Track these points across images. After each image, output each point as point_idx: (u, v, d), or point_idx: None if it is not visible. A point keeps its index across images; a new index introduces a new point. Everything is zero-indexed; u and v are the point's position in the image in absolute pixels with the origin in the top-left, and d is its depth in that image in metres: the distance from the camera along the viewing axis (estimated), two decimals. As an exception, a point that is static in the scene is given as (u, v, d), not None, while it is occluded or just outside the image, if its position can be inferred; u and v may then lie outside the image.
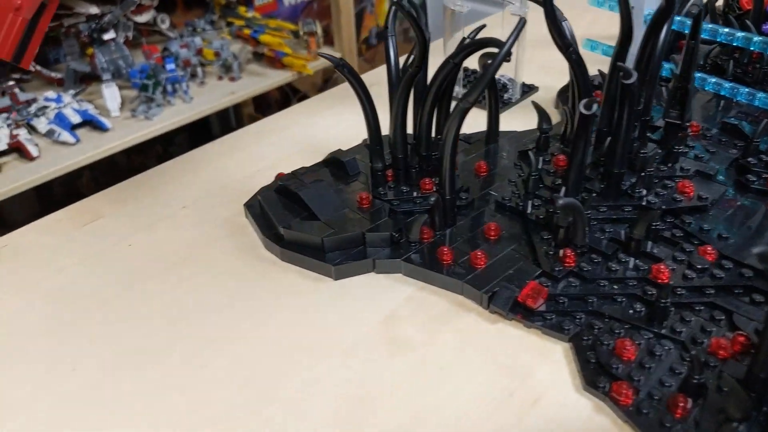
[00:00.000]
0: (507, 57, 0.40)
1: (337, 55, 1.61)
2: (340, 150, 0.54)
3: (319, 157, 0.55)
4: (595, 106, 0.39)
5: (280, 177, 0.51)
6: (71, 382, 0.38)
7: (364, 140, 0.56)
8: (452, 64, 0.44)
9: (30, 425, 0.35)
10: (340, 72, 0.46)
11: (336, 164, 0.53)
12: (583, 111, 0.39)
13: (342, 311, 0.42)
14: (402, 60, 0.48)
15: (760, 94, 0.56)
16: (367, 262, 0.45)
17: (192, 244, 0.48)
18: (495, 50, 0.39)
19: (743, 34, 0.55)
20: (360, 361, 0.39)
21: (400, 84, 0.46)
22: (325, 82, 1.68)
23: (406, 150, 0.49)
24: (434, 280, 0.44)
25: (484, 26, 0.47)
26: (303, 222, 0.46)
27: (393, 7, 0.47)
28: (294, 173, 0.51)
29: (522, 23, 0.39)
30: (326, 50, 1.59)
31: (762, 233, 0.45)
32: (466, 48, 0.43)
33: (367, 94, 0.47)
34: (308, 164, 0.54)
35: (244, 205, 0.50)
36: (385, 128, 0.50)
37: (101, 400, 0.37)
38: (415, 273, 0.44)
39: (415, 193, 0.49)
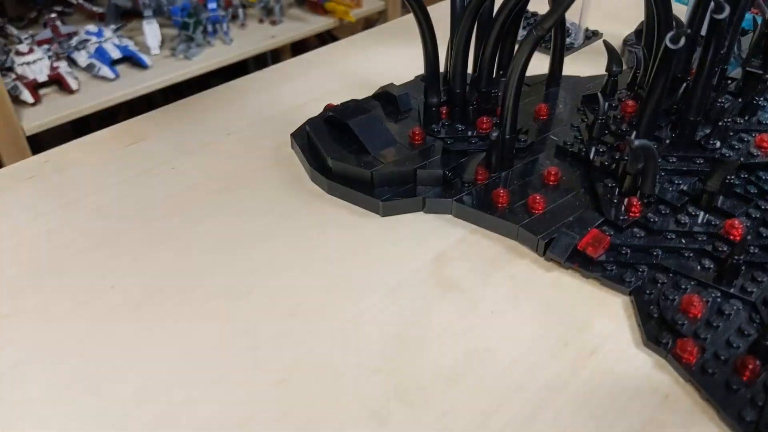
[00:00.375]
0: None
1: (380, 3, 1.57)
2: (392, 84, 0.52)
3: (369, 92, 0.52)
4: (682, 40, 0.36)
5: (329, 108, 0.49)
6: (110, 300, 0.37)
7: (417, 77, 0.53)
8: (521, -6, 0.41)
9: (66, 340, 0.34)
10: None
11: (387, 98, 0.50)
12: (669, 44, 0.36)
13: (389, 249, 0.40)
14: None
15: None
16: (416, 200, 0.43)
17: (236, 171, 0.47)
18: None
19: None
20: (409, 299, 0.37)
21: (463, 14, 0.43)
22: (365, 29, 1.63)
23: (464, 86, 0.46)
24: (487, 222, 0.41)
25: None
26: (352, 154, 0.44)
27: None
28: (344, 104, 0.48)
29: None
30: (369, 0, 1.55)
31: None
32: (539, -24, 0.40)
33: (429, 23, 0.44)
34: (358, 98, 0.52)
35: (291, 135, 0.48)
36: (442, 66, 0.47)
37: (139, 320, 0.35)
38: (467, 215, 0.42)
39: (470, 132, 0.46)
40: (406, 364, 0.33)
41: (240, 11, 1.38)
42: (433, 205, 0.43)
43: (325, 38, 1.65)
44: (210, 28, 1.31)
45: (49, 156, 0.48)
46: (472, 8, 0.43)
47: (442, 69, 0.48)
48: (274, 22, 1.41)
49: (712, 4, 0.36)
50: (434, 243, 0.41)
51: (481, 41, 0.46)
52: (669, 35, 0.36)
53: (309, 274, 0.38)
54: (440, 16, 0.49)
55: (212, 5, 1.30)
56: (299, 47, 1.60)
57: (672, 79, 0.47)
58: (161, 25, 1.31)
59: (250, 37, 1.36)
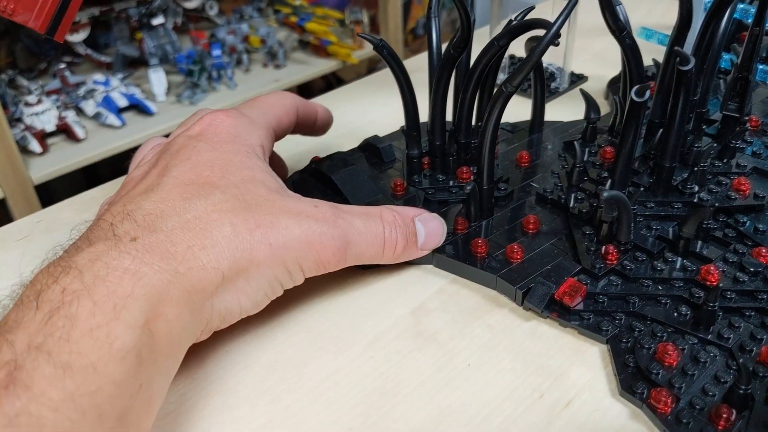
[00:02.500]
0: (555, 40, 0.38)
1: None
2: (376, 136, 0.53)
3: (356, 143, 0.54)
4: (647, 93, 0.36)
5: (314, 160, 0.50)
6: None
7: (402, 127, 0.54)
8: (497, 46, 0.42)
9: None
10: (379, 53, 0.45)
11: (371, 150, 0.51)
12: (635, 98, 0.36)
13: (369, 301, 0.41)
14: (446, 45, 0.46)
15: (828, 90, 0.52)
16: (397, 251, 0.43)
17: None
18: (543, 33, 0.37)
19: (812, 24, 0.51)
20: (386, 353, 0.37)
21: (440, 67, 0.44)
22: (369, 71, 1.66)
23: (444, 137, 0.47)
24: (467, 272, 0.42)
25: (532, 7, 0.45)
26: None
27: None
28: (329, 157, 0.50)
29: (573, 2, 0.37)
30: (372, 40, 1.57)
31: (824, 237, 0.42)
32: (513, 30, 0.41)
33: (407, 77, 0.46)
34: (345, 149, 0.53)
35: None
36: (424, 115, 0.48)
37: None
38: (447, 265, 0.43)
39: (451, 182, 0.47)
40: (381, 421, 0.33)
41: (244, 56, 1.41)
42: (414, 256, 0.43)
43: (330, 80, 1.68)
44: (215, 74, 1.34)
45: (42, 216, 0.49)
46: (447, 62, 0.44)
47: (425, 119, 0.49)
48: (277, 66, 1.44)
49: (677, 57, 0.37)
50: (413, 294, 0.41)
51: (460, 92, 0.47)
52: (634, 89, 0.36)
53: (286, 328, 0.39)
54: (423, 65, 0.50)
55: (216, 52, 1.34)
56: (305, 90, 1.64)
57: (649, 124, 0.48)
58: (167, 73, 1.34)
59: (254, 82, 1.39)
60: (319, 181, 0.48)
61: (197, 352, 0.37)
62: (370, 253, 0.39)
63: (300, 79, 1.41)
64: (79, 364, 0.26)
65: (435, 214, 0.42)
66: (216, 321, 0.34)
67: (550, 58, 0.66)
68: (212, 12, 1.43)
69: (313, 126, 0.49)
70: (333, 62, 1.45)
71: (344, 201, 0.45)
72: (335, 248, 0.36)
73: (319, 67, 1.44)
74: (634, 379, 0.34)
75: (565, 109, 0.60)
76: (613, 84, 0.60)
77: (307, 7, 1.52)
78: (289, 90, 1.59)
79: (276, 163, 0.50)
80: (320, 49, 1.43)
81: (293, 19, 1.44)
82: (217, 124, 0.39)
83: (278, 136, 0.44)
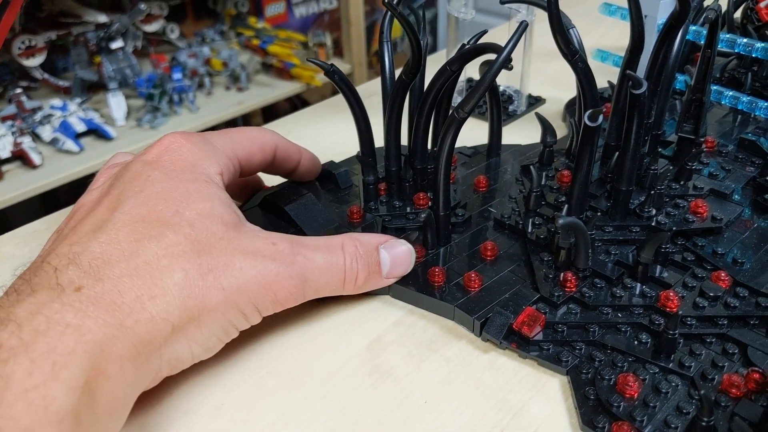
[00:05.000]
0: (508, 64, 0.37)
1: (347, 66, 1.59)
2: (332, 162, 0.52)
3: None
4: (600, 118, 0.36)
5: (264, 190, 0.49)
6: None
7: (358, 152, 0.53)
8: (449, 71, 0.42)
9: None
10: (330, 78, 0.44)
11: (327, 176, 0.50)
12: (588, 123, 0.36)
13: (322, 335, 0.39)
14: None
15: (781, 109, 0.52)
16: (353, 282, 0.42)
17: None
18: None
19: (763, 45, 0.52)
20: (340, 391, 0.35)
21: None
22: (334, 93, 1.66)
23: (399, 162, 0.46)
24: (424, 303, 0.41)
25: (485, 32, 0.44)
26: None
27: (389, 11, 0.44)
28: (279, 187, 0.48)
29: (523, 26, 0.36)
30: (336, 62, 1.57)
31: (782, 259, 0.41)
32: (464, 54, 0.41)
33: (360, 102, 0.45)
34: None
35: None
36: (380, 140, 0.47)
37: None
38: (404, 295, 0.41)
39: (408, 209, 0.46)
40: (332, 464, 0.32)
41: (206, 80, 1.40)
42: (370, 286, 0.42)
43: (295, 103, 1.67)
44: (176, 97, 1.32)
45: (-20, 251, 0.47)
46: (399, 88, 0.43)
47: (381, 144, 0.48)
48: (240, 89, 1.43)
49: (629, 81, 0.36)
50: (369, 327, 0.40)
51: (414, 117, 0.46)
52: (587, 113, 0.36)
53: (234, 367, 0.37)
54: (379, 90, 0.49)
55: (177, 75, 1.32)
56: (270, 112, 1.62)
57: (605, 147, 0.48)
58: (127, 97, 1.32)
59: (216, 105, 1.38)
60: (272, 212, 0.46)
61: (139, 396, 0.35)
62: (330, 287, 0.38)
63: (263, 101, 1.40)
64: (11, 429, 0.24)
65: (402, 240, 0.41)
66: (165, 371, 0.32)
67: (508, 80, 0.65)
68: (173, 35, 1.42)
69: (293, 169, 0.47)
70: (297, 85, 1.44)
71: (299, 232, 0.44)
72: (293, 287, 0.35)
73: (283, 89, 1.43)
74: (595, 412, 0.33)
75: (523, 132, 0.59)
76: (570, 106, 0.60)
77: (269, 29, 1.51)
78: (254, 113, 1.57)
79: (250, 181, 0.49)
80: (284, 72, 1.42)
81: (255, 42, 1.43)
82: (175, 149, 0.37)
83: (246, 170, 0.42)
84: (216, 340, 0.34)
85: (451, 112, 0.38)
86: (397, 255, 0.40)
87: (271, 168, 0.45)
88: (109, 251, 0.31)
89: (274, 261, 0.34)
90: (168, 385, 0.35)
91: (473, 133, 0.58)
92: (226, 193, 0.37)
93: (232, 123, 1.47)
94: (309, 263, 0.36)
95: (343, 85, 0.44)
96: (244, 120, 1.60)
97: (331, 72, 0.43)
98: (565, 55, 0.42)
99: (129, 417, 0.33)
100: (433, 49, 1.91)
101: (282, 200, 0.45)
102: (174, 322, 0.31)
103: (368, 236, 0.40)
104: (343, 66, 1.59)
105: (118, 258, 0.31)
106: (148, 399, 0.35)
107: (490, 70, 0.36)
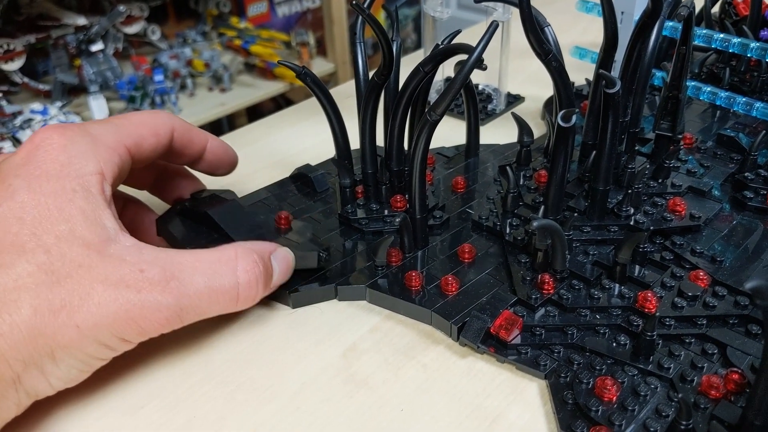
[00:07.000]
0: (481, 65, 0.36)
1: (330, 65, 1.59)
2: (308, 165, 0.51)
3: (287, 173, 0.51)
4: (573, 118, 0.35)
5: (177, 200, 0.45)
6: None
7: (333, 156, 0.52)
8: (423, 72, 0.41)
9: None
10: (302, 81, 0.43)
11: (303, 180, 0.49)
12: (561, 123, 0.35)
13: (297, 345, 0.38)
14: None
15: (758, 104, 0.52)
16: (328, 288, 0.41)
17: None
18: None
19: (740, 40, 0.51)
20: (314, 402, 0.35)
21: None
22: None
23: (376, 165, 0.46)
24: (401, 308, 0.40)
25: (459, 32, 0.44)
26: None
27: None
28: (201, 195, 0.45)
29: (494, 26, 0.36)
30: (319, 61, 1.56)
31: (760, 255, 0.41)
32: (437, 55, 0.40)
33: (333, 104, 0.44)
34: (276, 180, 0.51)
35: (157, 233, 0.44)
36: (356, 142, 0.46)
37: None
38: (381, 300, 0.41)
39: (386, 212, 0.45)
40: (305, 477, 0.31)
41: (188, 81, 1.38)
42: (346, 292, 0.41)
43: (279, 102, 1.66)
44: (158, 99, 1.31)
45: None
46: (372, 89, 0.42)
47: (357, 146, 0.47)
48: (223, 90, 1.42)
49: (603, 81, 0.36)
50: (344, 334, 0.39)
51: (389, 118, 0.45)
52: (560, 114, 0.35)
53: (204, 381, 0.36)
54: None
55: (159, 77, 1.31)
56: (255, 112, 1.61)
57: (582, 146, 0.47)
58: (108, 99, 1.30)
59: (199, 106, 1.36)
60: (192, 219, 0.43)
61: (107, 411, 0.34)
62: (218, 308, 0.35)
63: (246, 102, 1.39)
64: None
65: (285, 248, 0.39)
66: (27, 400, 0.31)
67: (486, 79, 0.65)
68: (154, 37, 1.40)
69: (198, 157, 0.43)
70: (280, 84, 1.43)
71: (225, 237, 0.42)
72: (162, 319, 0.32)
73: (266, 89, 1.42)
74: (573, 417, 0.33)
75: (503, 131, 0.59)
76: (549, 104, 0.60)
77: (252, 29, 1.50)
78: (239, 113, 1.56)
79: (182, 174, 0.45)
80: (267, 72, 1.41)
81: (237, 42, 1.42)
82: (45, 148, 0.33)
83: (138, 159, 0.38)
84: (78, 372, 0.32)
85: (423, 114, 0.38)
86: (285, 265, 0.39)
87: (171, 155, 0.41)
88: None
89: (139, 292, 0.31)
90: (135, 400, 0.35)
91: (453, 133, 0.57)
92: (99, 201, 0.33)
93: (215, 124, 1.46)
94: (185, 289, 0.33)
95: (315, 88, 0.43)
96: (228, 121, 1.59)
97: (302, 74, 0.43)
98: (538, 55, 0.41)
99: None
100: (417, 46, 1.90)
101: (206, 206, 0.43)
102: (25, 359, 0.29)
103: (262, 246, 0.38)
104: (326, 65, 1.58)
105: None
106: (119, 415, 0.34)
107: (461, 71, 0.36)
